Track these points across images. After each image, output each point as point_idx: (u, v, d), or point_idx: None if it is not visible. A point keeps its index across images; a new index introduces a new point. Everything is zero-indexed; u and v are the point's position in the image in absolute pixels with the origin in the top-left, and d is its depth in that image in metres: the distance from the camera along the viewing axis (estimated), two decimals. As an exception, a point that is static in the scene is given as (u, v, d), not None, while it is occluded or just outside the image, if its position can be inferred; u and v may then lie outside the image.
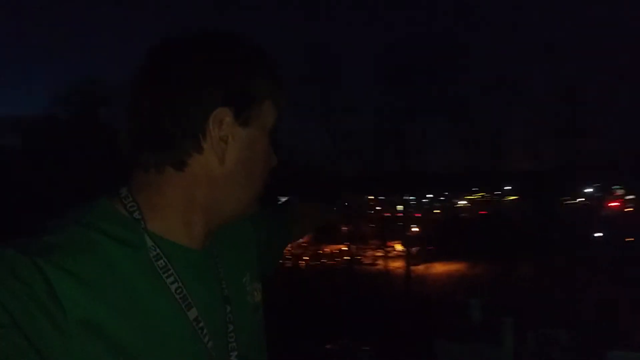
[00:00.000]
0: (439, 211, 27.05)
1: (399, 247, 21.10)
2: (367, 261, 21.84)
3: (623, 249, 15.71)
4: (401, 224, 20.33)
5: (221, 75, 0.63)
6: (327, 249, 22.34)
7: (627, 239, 16.85)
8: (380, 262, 20.99)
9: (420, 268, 18.06)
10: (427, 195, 26.15)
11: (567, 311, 8.67)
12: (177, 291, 0.62)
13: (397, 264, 19.67)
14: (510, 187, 21.55)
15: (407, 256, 18.70)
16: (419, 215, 23.07)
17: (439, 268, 18.09)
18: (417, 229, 21.27)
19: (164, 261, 0.62)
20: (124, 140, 0.64)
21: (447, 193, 27.43)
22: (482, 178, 20.96)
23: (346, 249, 21.74)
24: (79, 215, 0.61)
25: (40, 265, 0.53)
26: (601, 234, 17.86)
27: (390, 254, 20.59)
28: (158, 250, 0.62)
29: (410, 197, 21.23)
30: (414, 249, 19.24)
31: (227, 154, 0.64)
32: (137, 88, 0.64)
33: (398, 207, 21.12)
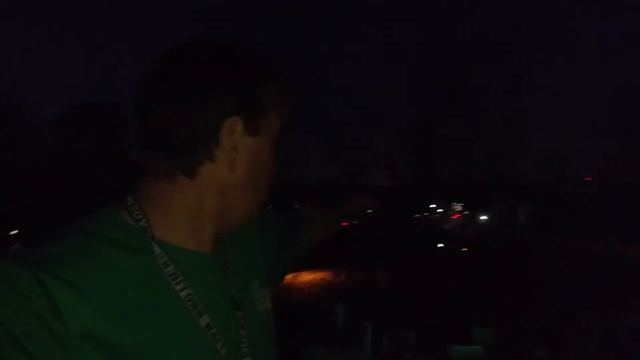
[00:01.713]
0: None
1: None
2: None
3: (460, 258, 18.14)
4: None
5: (233, 84, 0.63)
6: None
7: (462, 249, 19.54)
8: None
9: (288, 277, 18.48)
10: (294, 207, 26.87)
11: (416, 314, 9.68)
12: (188, 298, 0.60)
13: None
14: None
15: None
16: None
17: (305, 277, 18.73)
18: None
19: (172, 268, 0.60)
20: (132, 146, 0.63)
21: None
22: (344, 191, 22.37)
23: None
24: (84, 225, 0.60)
25: (41, 278, 0.51)
26: (442, 245, 20.37)
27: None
28: (166, 257, 0.60)
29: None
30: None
31: (237, 162, 0.64)
32: (147, 93, 0.62)
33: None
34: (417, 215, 20.27)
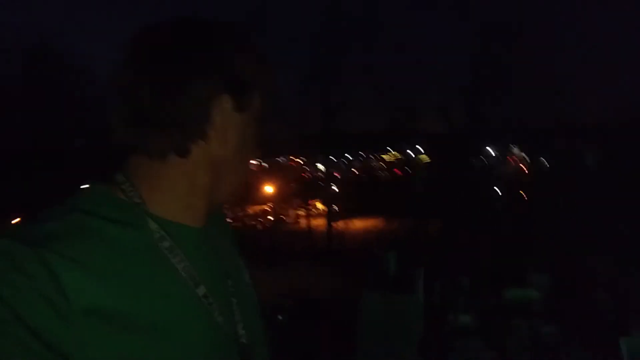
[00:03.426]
0: (356, 170, 27.98)
1: (319, 205, 21.75)
2: (289, 220, 22.33)
3: (518, 202, 17.58)
4: (321, 183, 20.87)
5: (222, 62, 0.63)
6: (250, 210, 22.43)
7: (520, 193, 18.86)
8: (302, 220, 21.59)
9: (340, 224, 18.81)
10: (346, 155, 26.90)
11: (470, 260, 9.62)
12: (185, 270, 0.62)
13: (318, 222, 20.35)
14: (421, 149, 22.87)
15: (328, 214, 19.40)
16: (338, 174, 23.73)
17: (357, 224, 18.93)
18: (336, 188, 21.94)
19: (169, 242, 0.62)
20: (119, 124, 0.62)
21: (363, 153, 28.32)
22: (398, 139, 21.99)
23: (269, 209, 22.00)
24: (76, 202, 0.60)
25: (42, 255, 0.51)
26: (498, 190, 19.77)
27: (311, 212, 21.20)
28: (162, 231, 0.62)
29: (331, 157, 21.76)
30: (334, 207, 19.94)
31: (227, 139, 0.65)
32: (134, 71, 0.61)
33: (319, 166, 21.61)
34: (472, 160, 19.66)
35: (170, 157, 0.63)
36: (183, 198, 0.65)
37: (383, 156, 27.52)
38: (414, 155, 22.45)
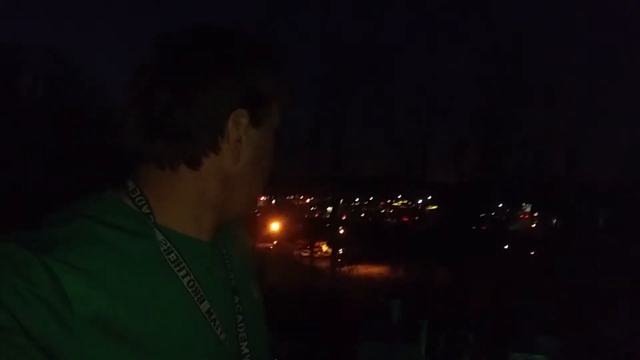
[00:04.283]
0: (364, 215, 27.91)
1: (325, 247, 21.55)
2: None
3: (527, 261, 17.23)
4: (329, 225, 20.77)
5: (241, 76, 0.62)
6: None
7: (531, 252, 18.52)
8: (306, 261, 21.34)
9: (344, 269, 18.55)
10: (355, 199, 26.91)
11: (476, 315, 9.36)
12: (190, 284, 0.61)
13: (322, 264, 20.09)
14: (430, 197, 22.84)
15: (333, 257, 19.17)
16: (345, 217, 23.65)
17: (362, 270, 18.65)
18: (343, 231, 21.80)
19: (175, 254, 0.61)
20: (132, 132, 0.61)
21: (372, 198, 28.35)
22: (406, 187, 22.04)
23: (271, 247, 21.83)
24: (83, 208, 0.59)
25: (46, 262, 0.50)
26: (508, 246, 19.44)
27: (317, 254, 20.97)
28: (169, 243, 0.61)
29: (341, 199, 21.77)
30: (340, 250, 19.73)
31: (241, 154, 0.64)
32: (152, 79, 0.60)
33: (328, 208, 21.57)
34: (482, 215, 19.53)
35: (180, 168, 0.62)
36: (191, 210, 0.64)
37: (394, 203, 27.53)
38: (421, 203, 22.42)
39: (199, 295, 0.62)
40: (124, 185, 0.63)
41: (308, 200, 26.21)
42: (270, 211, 21.42)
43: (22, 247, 0.51)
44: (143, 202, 0.62)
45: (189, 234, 0.64)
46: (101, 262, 0.54)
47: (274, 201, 22.68)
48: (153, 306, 0.57)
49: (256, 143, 0.66)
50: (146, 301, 0.57)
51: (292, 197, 25.99)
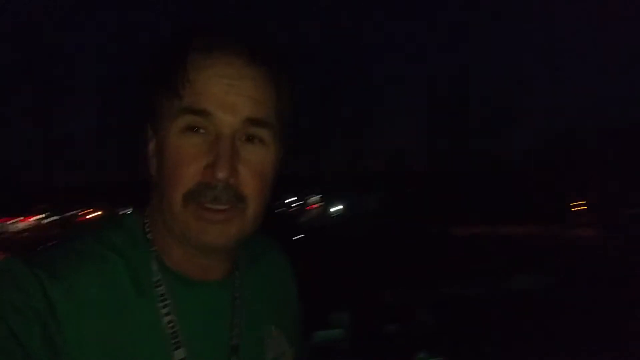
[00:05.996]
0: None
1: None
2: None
3: (318, 247, 18.81)
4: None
5: None
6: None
7: (319, 238, 20.29)
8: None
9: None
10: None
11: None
12: (170, 324, 0.58)
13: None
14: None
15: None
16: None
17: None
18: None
19: (163, 289, 0.59)
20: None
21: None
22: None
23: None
24: (99, 228, 0.61)
25: (40, 277, 0.52)
26: (301, 236, 20.97)
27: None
28: (160, 276, 0.60)
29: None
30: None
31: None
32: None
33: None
34: (277, 210, 20.54)
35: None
36: (179, 245, 0.61)
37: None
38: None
39: (176, 340, 0.58)
40: (143, 209, 0.64)
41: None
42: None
43: (22, 262, 0.53)
44: (149, 229, 0.62)
45: (185, 271, 0.61)
46: (91, 282, 0.55)
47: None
48: (127, 339, 0.55)
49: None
50: (122, 331, 0.55)
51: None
